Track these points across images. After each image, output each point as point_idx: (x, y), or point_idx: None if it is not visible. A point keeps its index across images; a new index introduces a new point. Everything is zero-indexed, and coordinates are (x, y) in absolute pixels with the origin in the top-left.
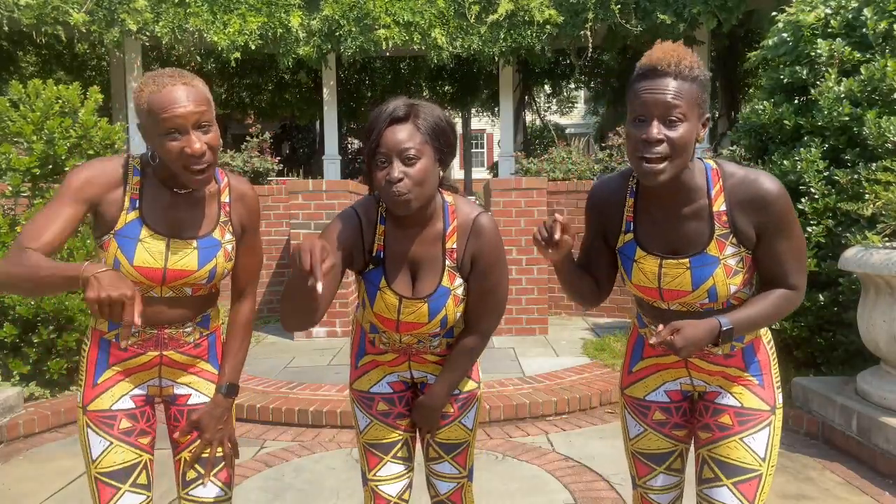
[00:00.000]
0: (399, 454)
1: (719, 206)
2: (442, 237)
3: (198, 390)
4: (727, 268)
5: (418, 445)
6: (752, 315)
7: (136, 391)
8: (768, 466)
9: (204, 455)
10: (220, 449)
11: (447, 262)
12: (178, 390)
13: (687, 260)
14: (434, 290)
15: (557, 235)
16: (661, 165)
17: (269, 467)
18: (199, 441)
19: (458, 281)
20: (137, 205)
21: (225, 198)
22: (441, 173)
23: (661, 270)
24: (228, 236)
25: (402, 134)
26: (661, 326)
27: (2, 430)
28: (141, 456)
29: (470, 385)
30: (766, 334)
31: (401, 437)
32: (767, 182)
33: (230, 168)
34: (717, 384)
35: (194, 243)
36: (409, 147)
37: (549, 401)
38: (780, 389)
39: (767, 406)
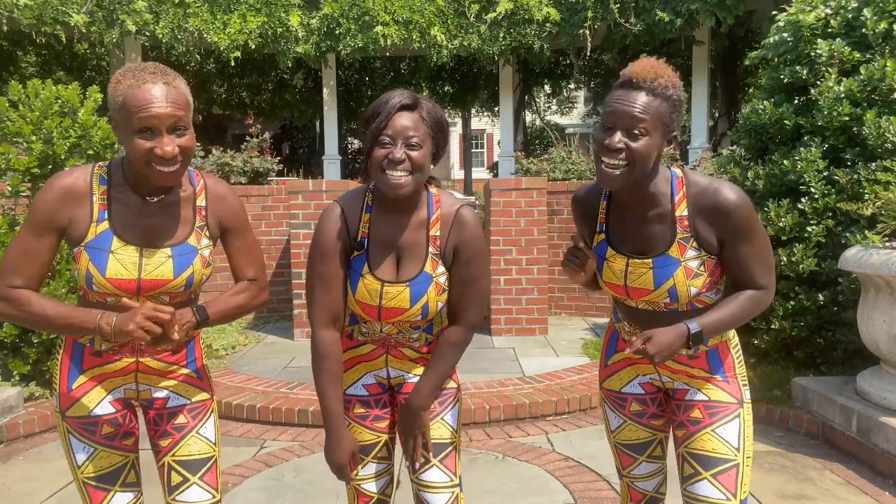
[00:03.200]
0: (379, 455)
1: (681, 211)
2: (426, 224)
3: (176, 393)
4: (688, 270)
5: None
6: (721, 317)
7: (114, 395)
8: (744, 457)
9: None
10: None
11: (430, 249)
12: (157, 394)
13: (650, 260)
14: (416, 275)
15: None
16: (618, 172)
17: (269, 467)
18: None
19: (441, 269)
20: (107, 215)
21: (201, 201)
22: (431, 167)
23: (627, 269)
24: (205, 241)
25: (410, 121)
26: (634, 338)
27: (2, 430)
28: (127, 457)
29: (450, 384)
30: (732, 338)
31: (380, 440)
32: (728, 192)
33: (230, 168)
34: (682, 381)
35: (168, 251)
36: (414, 134)
37: (549, 401)
38: (747, 387)
39: (734, 399)
